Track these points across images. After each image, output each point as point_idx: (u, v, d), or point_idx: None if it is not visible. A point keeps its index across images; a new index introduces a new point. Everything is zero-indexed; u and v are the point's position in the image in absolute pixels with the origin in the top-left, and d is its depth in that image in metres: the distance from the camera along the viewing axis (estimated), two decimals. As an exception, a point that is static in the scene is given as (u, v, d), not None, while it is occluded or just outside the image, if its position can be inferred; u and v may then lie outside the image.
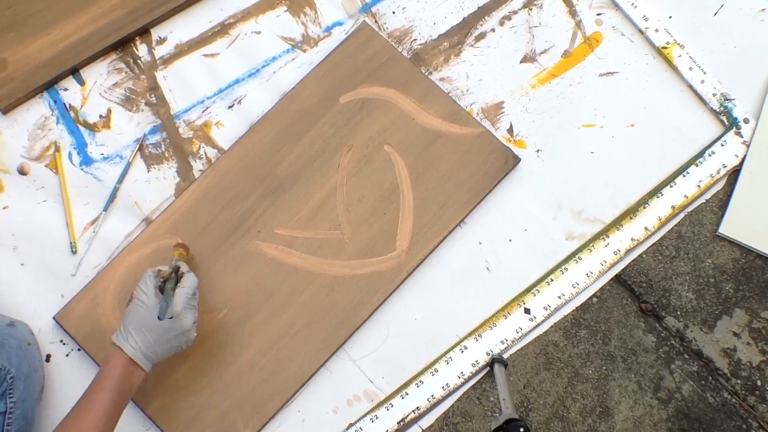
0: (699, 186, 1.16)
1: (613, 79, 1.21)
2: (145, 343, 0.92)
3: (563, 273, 1.12)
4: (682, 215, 1.16)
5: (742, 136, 1.18)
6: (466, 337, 1.09)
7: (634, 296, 1.14)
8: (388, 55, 1.18)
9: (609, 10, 1.24)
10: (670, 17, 1.23)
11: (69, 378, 1.05)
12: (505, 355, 1.09)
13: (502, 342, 1.09)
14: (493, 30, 1.23)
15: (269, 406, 1.04)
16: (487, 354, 1.08)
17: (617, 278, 1.14)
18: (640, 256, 1.15)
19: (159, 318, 0.92)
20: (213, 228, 1.10)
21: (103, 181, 1.13)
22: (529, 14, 1.24)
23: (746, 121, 1.18)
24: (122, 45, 1.19)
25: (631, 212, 1.15)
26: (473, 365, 1.08)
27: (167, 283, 0.97)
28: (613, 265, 1.13)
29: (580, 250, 1.13)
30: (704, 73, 1.20)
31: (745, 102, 1.20)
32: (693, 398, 1.10)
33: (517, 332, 1.10)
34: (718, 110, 1.19)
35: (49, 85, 1.16)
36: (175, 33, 1.20)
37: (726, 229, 1.15)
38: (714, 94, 1.19)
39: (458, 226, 1.13)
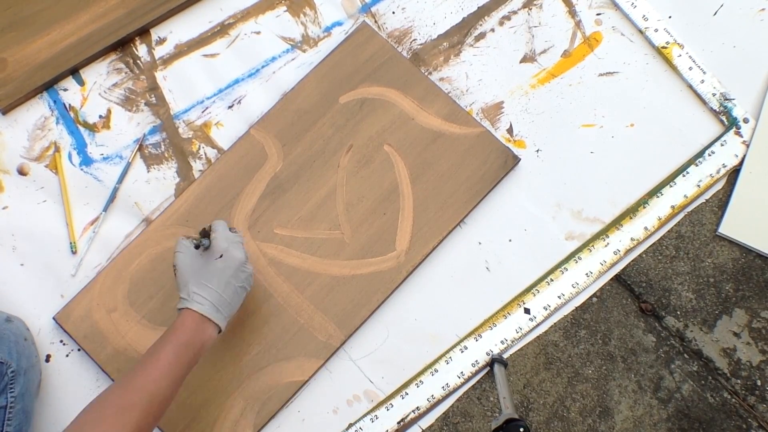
0: (699, 186, 1.16)
1: (612, 79, 1.21)
2: (210, 293, 0.90)
3: (563, 273, 1.12)
4: (681, 215, 1.16)
5: (741, 136, 1.18)
6: (466, 337, 1.09)
7: (634, 296, 1.14)
8: (388, 55, 1.18)
9: (608, 9, 1.24)
10: (670, 17, 1.23)
11: (69, 378, 1.05)
12: (505, 355, 1.09)
13: (502, 342, 1.09)
14: (492, 30, 1.23)
15: (269, 406, 1.04)
16: (487, 354, 1.08)
17: (617, 278, 1.14)
18: (640, 256, 1.15)
19: (197, 247, 0.93)
20: (213, 228, 1.10)
21: (103, 181, 1.13)
22: (528, 14, 1.24)
23: (746, 120, 1.18)
24: (122, 45, 1.19)
25: (630, 212, 1.15)
26: (473, 365, 1.08)
27: (201, 241, 0.96)
28: (612, 265, 1.13)
29: (579, 249, 1.13)
30: (704, 72, 1.20)
31: (745, 102, 1.20)
32: (693, 398, 1.10)
33: (517, 332, 1.10)
34: (717, 110, 1.19)
35: (49, 86, 1.16)
36: (174, 33, 1.20)
37: (726, 228, 1.15)
38: (714, 94, 1.19)
39: (458, 226, 1.13)
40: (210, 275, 0.92)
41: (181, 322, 0.89)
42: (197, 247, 0.96)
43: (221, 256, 0.93)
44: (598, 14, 1.24)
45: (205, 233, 0.98)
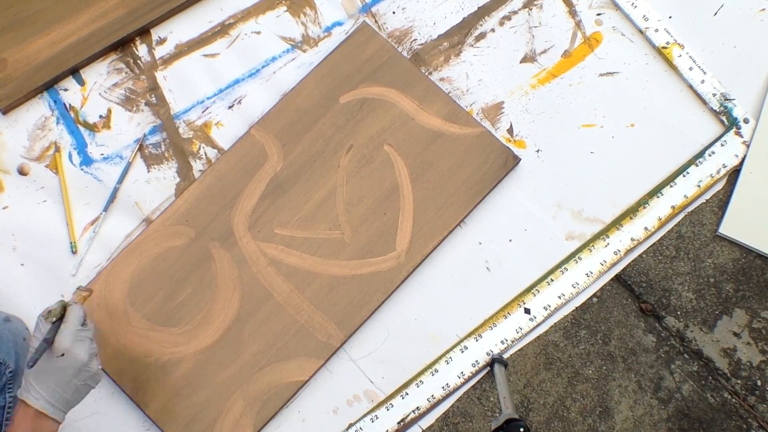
0: (699, 186, 1.16)
1: (613, 79, 1.21)
2: (47, 390, 0.84)
3: (563, 273, 1.12)
4: (682, 215, 1.16)
5: (742, 136, 1.18)
6: (466, 337, 1.09)
7: (634, 296, 1.14)
8: (388, 55, 1.18)
9: (609, 10, 1.24)
10: (670, 17, 1.23)
11: (69, 378, 1.05)
12: (505, 355, 1.09)
13: (502, 342, 1.09)
14: (493, 30, 1.23)
15: (269, 406, 1.04)
16: (487, 354, 1.08)
17: (617, 278, 1.14)
18: (640, 256, 1.15)
19: (28, 365, 0.82)
20: (213, 228, 1.10)
21: (103, 181, 1.13)
22: (529, 14, 1.24)
23: (746, 121, 1.18)
24: (122, 45, 1.19)
25: (631, 212, 1.15)
26: (473, 365, 1.08)
27: (54, 324, 0.88)
28: (613, 265, 1.13)
29: (580, 250, 1.13)
30: (704, 73, 1.20)
31: (745, 102, 1.20)
32: (693, 398, 1.10)
33: (517, 332, 1.10)
34: (718, 110, 1.19)
35: (49, 86, 1.16)
36: (175, 33, 1.20)
37: (726, 229, 1.15)
38: (714, 94, 1.19)
39: (458, 226, 1.13)
40: (49, 373, 0.85)
41: (19, 419, 0.84)
42: (54, 323, 0.87)
43: (63, 355, 0.85)
44: (598, 14, 1.24)
45: (59, 315, 0.88)
